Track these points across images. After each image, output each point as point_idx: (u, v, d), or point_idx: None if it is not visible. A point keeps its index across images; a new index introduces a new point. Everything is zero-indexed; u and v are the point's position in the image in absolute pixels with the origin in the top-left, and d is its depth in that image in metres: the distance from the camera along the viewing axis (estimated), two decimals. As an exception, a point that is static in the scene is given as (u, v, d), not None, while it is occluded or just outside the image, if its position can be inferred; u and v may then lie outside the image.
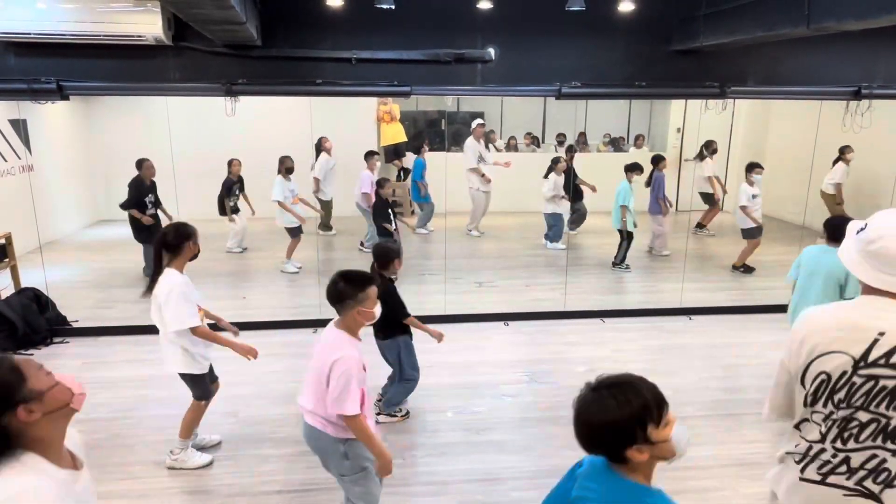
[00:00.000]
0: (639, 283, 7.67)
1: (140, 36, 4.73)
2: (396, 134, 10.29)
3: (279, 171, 7.46)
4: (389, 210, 7.29)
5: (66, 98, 5.08)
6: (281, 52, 5.18)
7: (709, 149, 8.96)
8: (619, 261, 7.85)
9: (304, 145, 7.98)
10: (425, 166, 9.26)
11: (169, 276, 3.51)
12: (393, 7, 4.57)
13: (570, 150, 9.49)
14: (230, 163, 7.93)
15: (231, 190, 7.94)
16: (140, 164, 6.91)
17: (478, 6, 5.15)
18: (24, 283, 6.04)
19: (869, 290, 1.90)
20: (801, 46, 5.38)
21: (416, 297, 6.96)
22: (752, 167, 7.54)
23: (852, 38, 5.41)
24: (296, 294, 7.07)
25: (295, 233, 7.53)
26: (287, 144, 8.25)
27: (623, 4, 5.18)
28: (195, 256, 3.65)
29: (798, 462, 2.04)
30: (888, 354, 1.82)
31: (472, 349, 5.46)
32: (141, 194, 6.85)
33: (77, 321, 5.92)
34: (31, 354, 5.37)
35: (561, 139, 11.80)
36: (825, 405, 1.95)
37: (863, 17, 3.56)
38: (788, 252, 7.07)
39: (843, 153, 8.08)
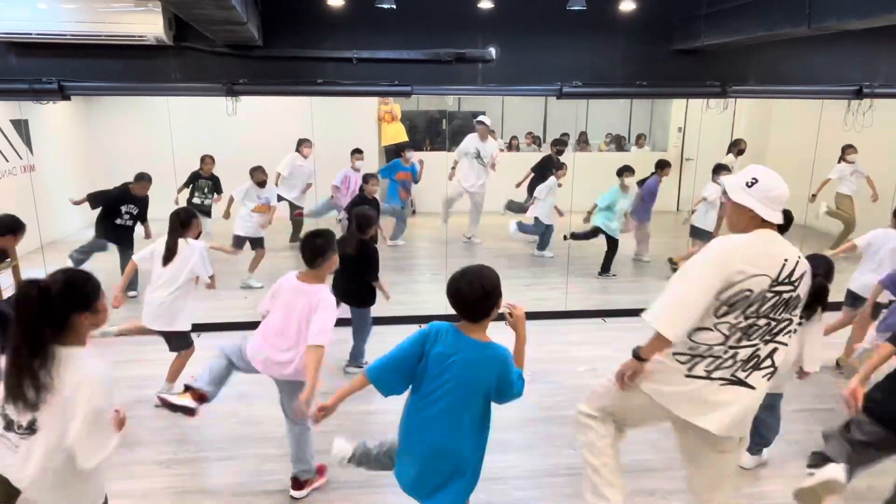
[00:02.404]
0: (640, 282, 7.66)
1: (141, 36, 4.73)
2: (397, 133, 10.28)
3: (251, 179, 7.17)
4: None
5: (67, 98, 5.09)
6: (282, 51, 5.18)
7: (735, 147, 8.54)
8: (605, 270, 7.66)
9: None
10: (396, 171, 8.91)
11: (193, 242, 4.36)
12: (394, 7, 4.57)
13: (558, 144, 9.26)
14: (202, 159, 7.62)
15: (195, 186, 7.56)
16: (138, 177, 6.64)
17: (479, 6, 5.15)
18: (26, 283, 6.04)
19: (761, 224, 2.48)
20: (802, 46, 5.38)
21: (418, 296, 6.96)
22: (719, 168, 7.37)
23: (854, 38, 5.41)
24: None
25: (256, 244, 7.07)
26: (287, 145, 8.27)
27: (624, 4, 5.18)
28: (198, 235, 4.49)
29: (685, 363, 2.55)
30: (790, 274, 2.44)
31: (473, 349, 5.44)
32: (118, 201, 6.56)
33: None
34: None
35: (563, 139, 11.78)
36: (737, 316, 2.45)
37: (864, 17, 3.56)
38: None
39: (843, 152, 8.03)
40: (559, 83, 5.49)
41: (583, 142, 11.69)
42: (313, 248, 3.26)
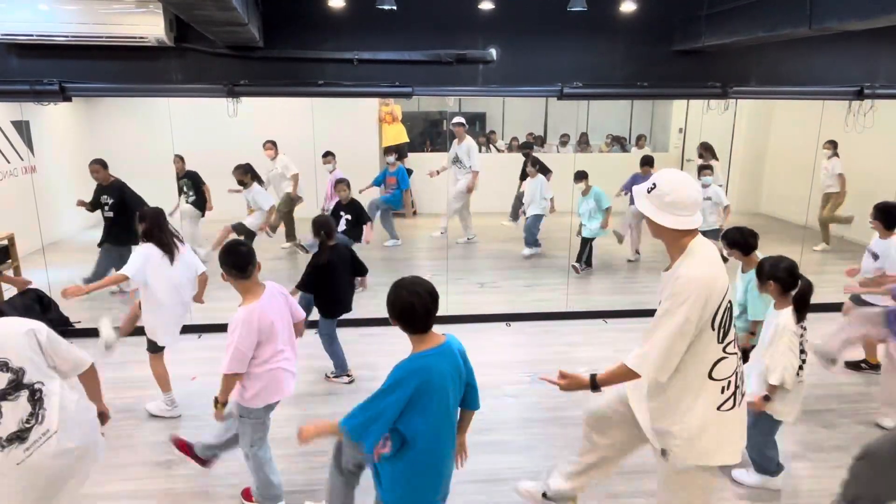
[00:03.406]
0: (641, 283, 7.65)
1: (142, 37, 4.74)
2: (398, 135, 10.28)
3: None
4: (341, 213, 6.87)
5: (68, 99, 5.09)
6: (283, 53, 5.18)
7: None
8: (578, 259, 7.65)
9: (306, 146, 7.98)
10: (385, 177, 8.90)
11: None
12: (394, 8, 4.58)
13: (526, 147, 9.24)
14: (173, 160, 7.55)
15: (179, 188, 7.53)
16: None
17: (479, 7, 5.15)
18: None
19: (675, 232, 2.33)
20: (803, 47, 5.38)
21: (418, 297, 6.96)
22: (702, 168, 7.33)
23: (854, 38, 5.41)
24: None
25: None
26: (288, 145, 8.27)
27: (625, 5, 5.18)
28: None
29: (719, 406, 2.39)
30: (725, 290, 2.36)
31: (474, 350, 5.35)
32: (97, 194, 6.58)
33: (79, 322, 5.93)
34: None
35: (564, 139, 11.79)
36: (729, 333, 2.36)
37: (865, 18, 3.56)
38: (790, 252, 7.05)
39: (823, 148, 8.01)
40: (560, 84, 5.49)
41: (583, 143, 11.69)
42: (246, 256, 3.09)
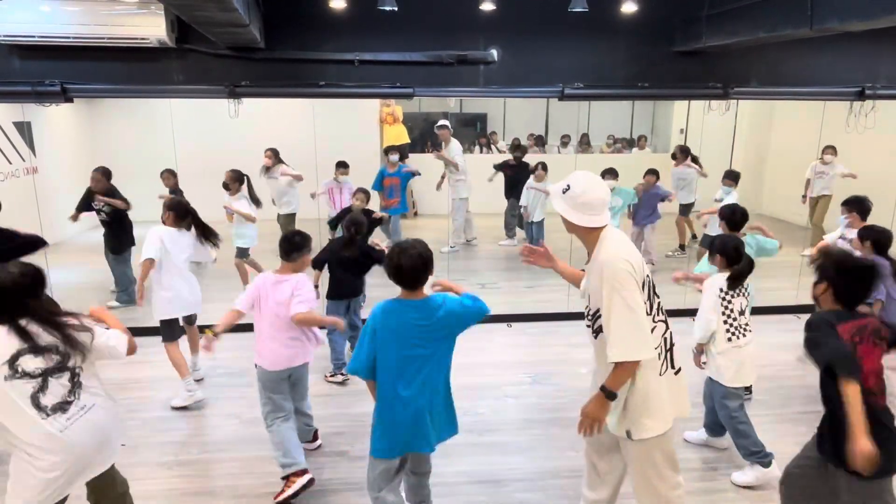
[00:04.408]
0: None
1: (143, 38, 4.75)
2: (399, 135, 10.28)
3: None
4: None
5: (69, 100, 5.09)
6: (284, 54, 5.19)
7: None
8: None
9: (307, 148, 7.98)
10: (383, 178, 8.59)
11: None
12: (395, 9, 4.58)
13: (517, 150, 9.20)
14: (161, 175, 7.37)
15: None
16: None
17: (480, 7, 5.15)
18: (29, 285, 6.05)
19: (588, 229, 2.57)
20: (804, 47, 5.38)
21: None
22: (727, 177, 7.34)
23: (855, 39, 5.40)
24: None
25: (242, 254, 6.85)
26: (289, 147, 8.26)
27: (626, 5, 5.17)
28: None
29: (660, 371, 2.58)
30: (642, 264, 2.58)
31: (475, 351, 5.45)
32: (86, 201, 6.58)
33: (81, 323, 5.92)
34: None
35: (565, 140, 11.80)
36: (653, 304, 2.57)
37: (866, 18, 3.56)
38: (791, 253, 7.06)
39: (823, 152, 8.03)
40: (561, 85, 5.49)
41: (584, 143, 11.69)
42: (291, 245, 3.69)
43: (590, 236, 2.60)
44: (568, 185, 2.56)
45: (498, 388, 4.86)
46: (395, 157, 8.55)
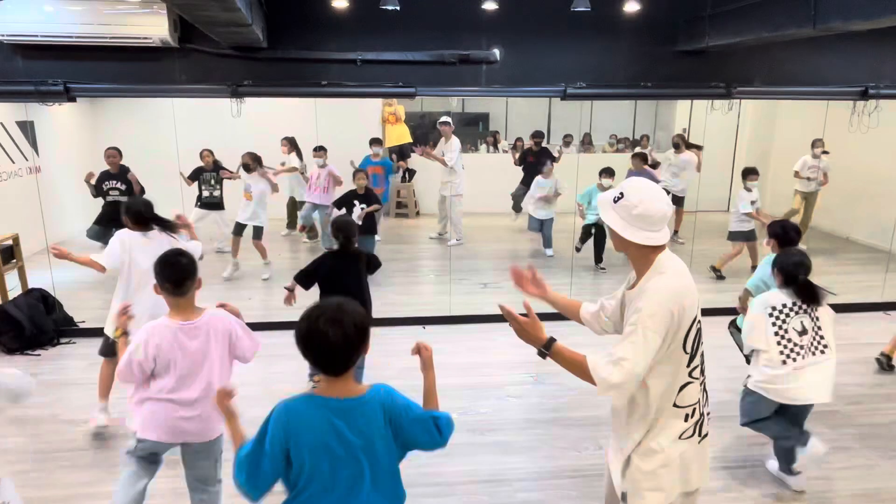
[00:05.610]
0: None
1: (146, 38, 4.76)
2: (402, 135, 10.28)
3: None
4: (354, 202, 6.95)
5: (72, 100, 5.11)
6: (286, 53, 5.19)
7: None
8: (598, 260, 7.77)
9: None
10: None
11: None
12: (398, 9, 4.58)
13: (537, 136, 9.29)
14: (201, 154, 7.68)
15: (202, 180, 7.65)
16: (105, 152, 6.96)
17: (483, 7, 5.15)
18: (32, 284, 6.07)
19: (642, 248, 2.11)
20: (807, 47, 5.37)
21: (421, 297, 6.97)
22: (748, 173, 7.28)
23: (859, 38, 5.40)
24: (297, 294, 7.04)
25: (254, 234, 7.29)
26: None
27: (628, 5, 5.17)
28: None
29: (681, 434, 2.17)
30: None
31: (477, 350, 5.45)
32: (100, 181, 6.93)
33: (84, 322, 5.95)
34: (38, 355, 5.40)
35: (568, 140, 11.77)
36: (696, 356, 2.15)
37: (869, 18, 3.55)
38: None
39: (812, 146, 8.07)
40: (563, 84, 5.48)
41: (587, 143, 11.67)
42: (184, 272, 2.68)
43: (643, 258, 2.13)
44: (621, 193, 2.11)
45: (500, 387, 4.86)
46: (378, 148, 8.79)
